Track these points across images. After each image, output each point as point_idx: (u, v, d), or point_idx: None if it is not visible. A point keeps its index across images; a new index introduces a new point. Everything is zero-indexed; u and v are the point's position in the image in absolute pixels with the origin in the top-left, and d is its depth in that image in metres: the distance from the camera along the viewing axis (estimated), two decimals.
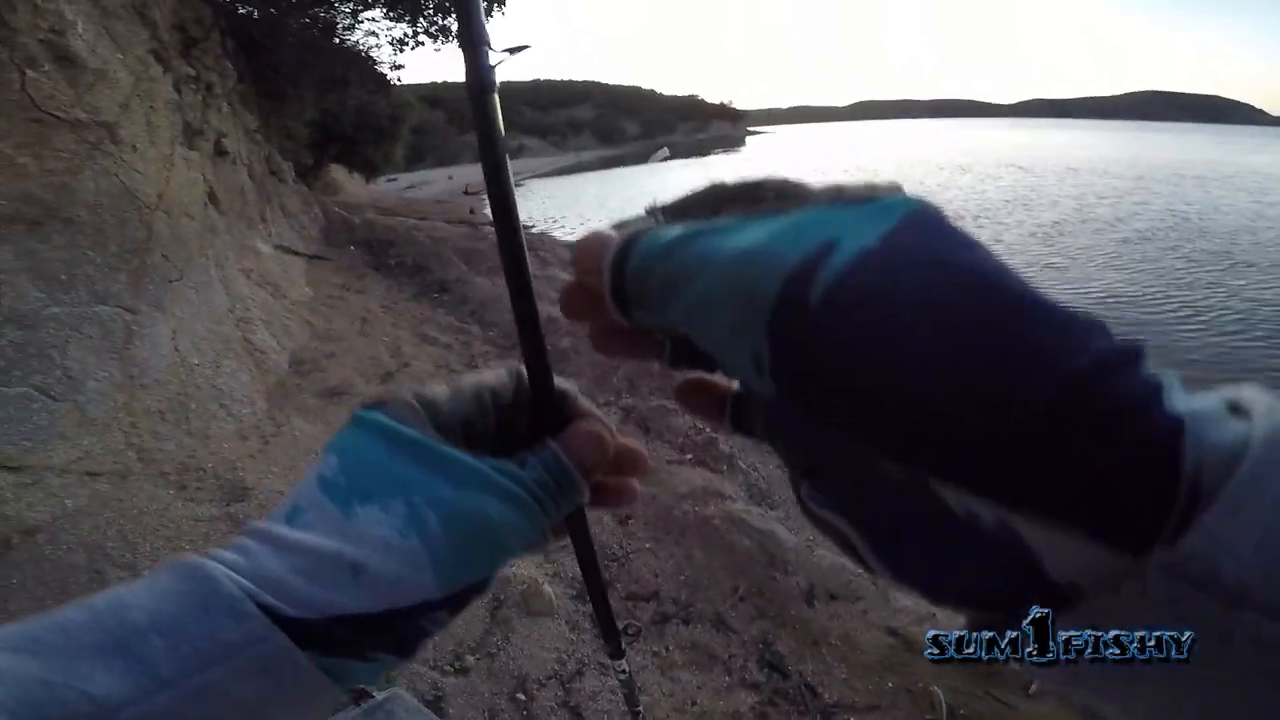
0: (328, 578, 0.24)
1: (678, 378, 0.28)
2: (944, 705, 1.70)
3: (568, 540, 0.35)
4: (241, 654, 0.22)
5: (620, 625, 0.50)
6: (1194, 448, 0.16)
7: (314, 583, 0.24)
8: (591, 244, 0.24)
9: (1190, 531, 0.15)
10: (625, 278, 0.23)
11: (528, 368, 0.30)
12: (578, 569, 2.17)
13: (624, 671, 0.57)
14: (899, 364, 0.17)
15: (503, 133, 0.26)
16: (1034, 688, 1.73)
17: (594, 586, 0.39)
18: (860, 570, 2.07)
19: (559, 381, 0.31)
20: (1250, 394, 0.17)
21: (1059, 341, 0.16)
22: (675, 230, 0.22)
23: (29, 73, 1.96)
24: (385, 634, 0.25)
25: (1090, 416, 0.16)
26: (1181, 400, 0.16)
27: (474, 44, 0.25)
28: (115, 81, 2.44)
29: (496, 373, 0.33)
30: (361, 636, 0.25)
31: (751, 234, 0.20)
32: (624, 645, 0.52)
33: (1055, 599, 0.17)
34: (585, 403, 0.32)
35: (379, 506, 0.26)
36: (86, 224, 2.17)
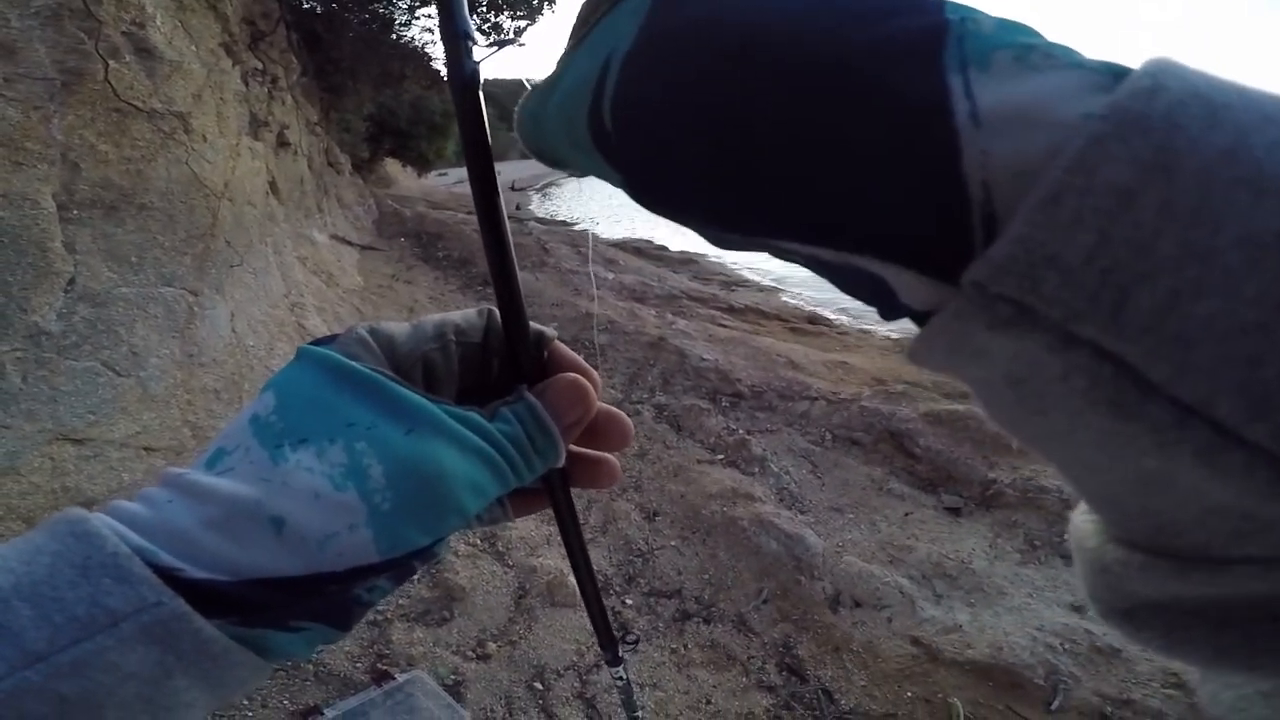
0: (243, 532, 0.21)
1: None
2: (962, 717, 1.68)
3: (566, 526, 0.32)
4: (127, 621, 0.19)
5: (619, 633, 0.47)
6: (983, 143, 0.13)
7: (226, 538, 0.20)
8: None
9: (1000, 235, 0.13)
10: (537, 153, 0.23)
11: (500, 307, 0.27)
12: (603, 563, 2.17)
13: (621, 678, 0.55)
14: (683, 164, 0.17)
15: (487, 124, 0.25)
16: (1056, 703, 1.69)
17: (582, 574, 0.36)
18: (887, 584, 2.05)
19: (536, 326, 0.28)
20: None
21: (831, 64, 0.15)
22: (531, 102, 0.22)
23: (112, 64, 2.09)
24: (312, 601, 0.21)
25: (860, 144, 0.14)
26: (993, 88, 0.14)
27: (455, 37, 0.24)
28: (189, 73, 2.57)
29: (464, 311, 0.29)
30: (283, 603, 0.21)
31: (568, 77, 0.20)
32: (622, 652, 0.49)
33: (922, 317, 0.16)
34: (567, 350, 0.29)
35: (314, 451, 0.22)
36: (158, 210, 2.30)
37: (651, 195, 0.19)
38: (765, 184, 0.16)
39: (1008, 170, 0.13)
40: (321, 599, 0.21)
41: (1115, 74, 0.14)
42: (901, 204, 0.14)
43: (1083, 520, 0.18)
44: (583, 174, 0.23)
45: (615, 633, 0.47)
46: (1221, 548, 0.14)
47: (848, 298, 0.19)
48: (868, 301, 0.18)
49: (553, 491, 0.29)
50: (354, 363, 0.24)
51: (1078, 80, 0.14)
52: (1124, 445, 0.13)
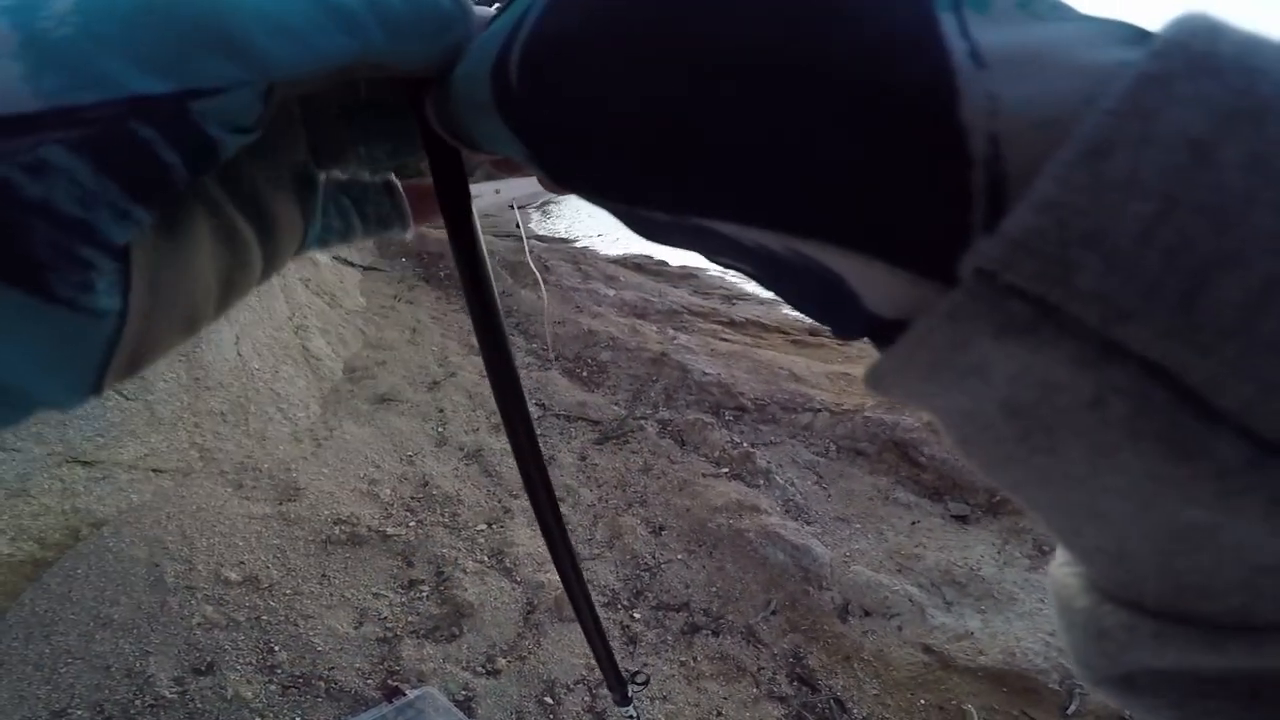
0: None
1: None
2: None
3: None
4: None
5: (627, 674, 0.46)
6: (991, 85, 0.10)
7: None
8: None
9: (1015, 207, 0.09)
10: (444, 123, 0.19)
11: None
12: (610, 578, 2.17)
13: (632, 717, 0.56)
14: (600, 116, 0.14)
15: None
16: (1072, 708, 1.68)
17: (587, 622, 0.34)
18: (895, 593, 2.04)
19: None
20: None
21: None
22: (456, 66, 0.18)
23: None
24: None
25: (824, 91, 0.11)
26: (993, 31, 0.11)
27: None
28: None
29: None
30: None
31: (488, 30, 0.17)
32: (631, 693, 0.49)
33: (891, 330, 0.12)
34: None
35: None
36: None
37: (557, 163, 0.16)
38: (700, 136, 0.12)
39: (1027, 118, 0.10)
40: None
41: (1139, 32, 0.11)
42: (873, 167, 0.11)
43: (1065, 574, 0.15)
44: (491, 149, 0.19)
45: (624, 674, 0.46)
46: (1270, 612, 0.11)
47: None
48: (819, 314, 0.15)
49: (506, 412, 0.24)
50: None
51: (1098, 30, 0.11)
52: (1165, 493, 0.10)
